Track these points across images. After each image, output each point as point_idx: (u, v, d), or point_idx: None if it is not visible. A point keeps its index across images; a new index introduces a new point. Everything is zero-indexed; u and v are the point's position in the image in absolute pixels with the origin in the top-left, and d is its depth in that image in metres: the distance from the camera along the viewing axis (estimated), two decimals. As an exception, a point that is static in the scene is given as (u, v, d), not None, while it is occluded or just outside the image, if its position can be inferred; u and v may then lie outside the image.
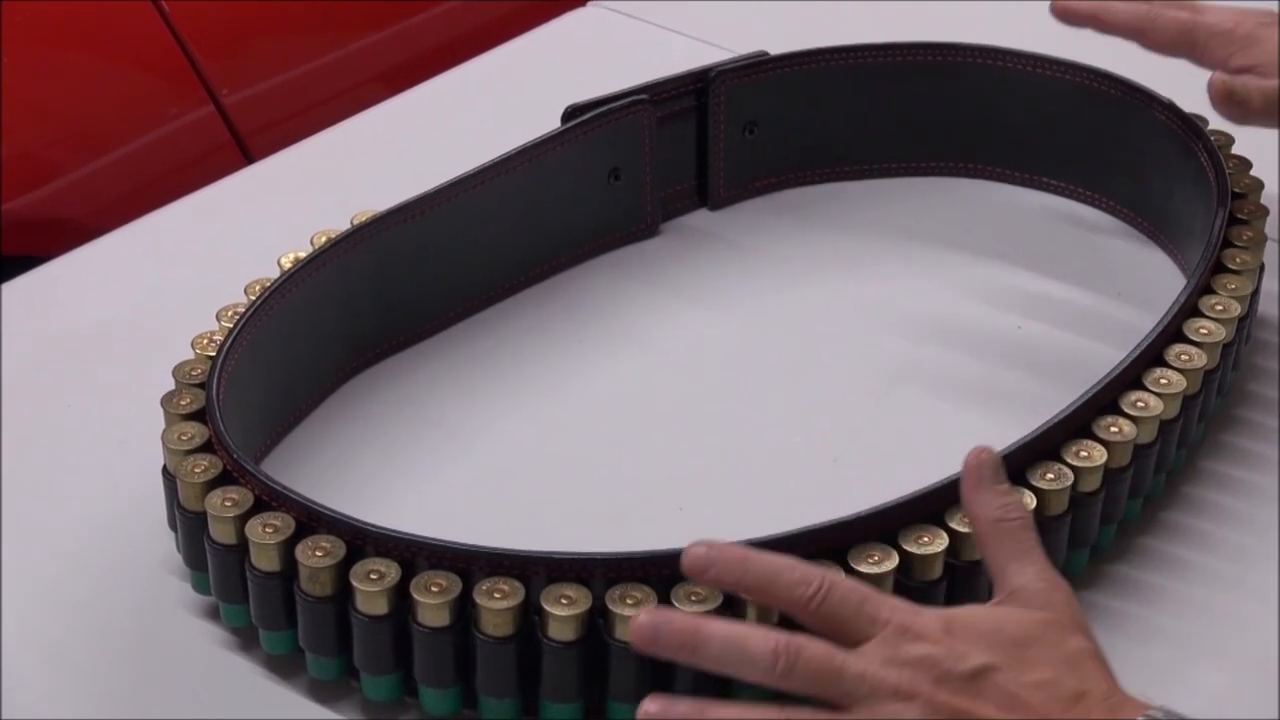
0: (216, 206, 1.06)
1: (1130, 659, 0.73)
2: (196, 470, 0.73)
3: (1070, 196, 1.02)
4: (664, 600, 0.67)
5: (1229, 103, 0.86)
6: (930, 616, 0.64)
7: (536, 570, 0.67)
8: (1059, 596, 0.65)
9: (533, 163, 0.92)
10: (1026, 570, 0.66)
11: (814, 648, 0.63)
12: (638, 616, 0.63)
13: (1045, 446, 0.74)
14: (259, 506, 0.71)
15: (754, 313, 0.95)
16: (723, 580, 0.65)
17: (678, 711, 0.63)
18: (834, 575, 0.65)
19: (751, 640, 0.63)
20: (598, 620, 0.67)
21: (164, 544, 0.78)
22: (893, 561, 0.69)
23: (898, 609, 0.64)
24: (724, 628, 0.63)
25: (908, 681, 0.62)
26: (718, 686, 0.66)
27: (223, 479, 0.73)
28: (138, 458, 0.81)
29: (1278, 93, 0.85)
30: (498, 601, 0.67)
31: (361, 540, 0.69)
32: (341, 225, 0.88)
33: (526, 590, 0.67)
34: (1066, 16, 0.92)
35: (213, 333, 0.82)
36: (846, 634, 0.64)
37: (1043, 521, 0.73)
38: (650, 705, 0.63)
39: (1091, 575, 0.77)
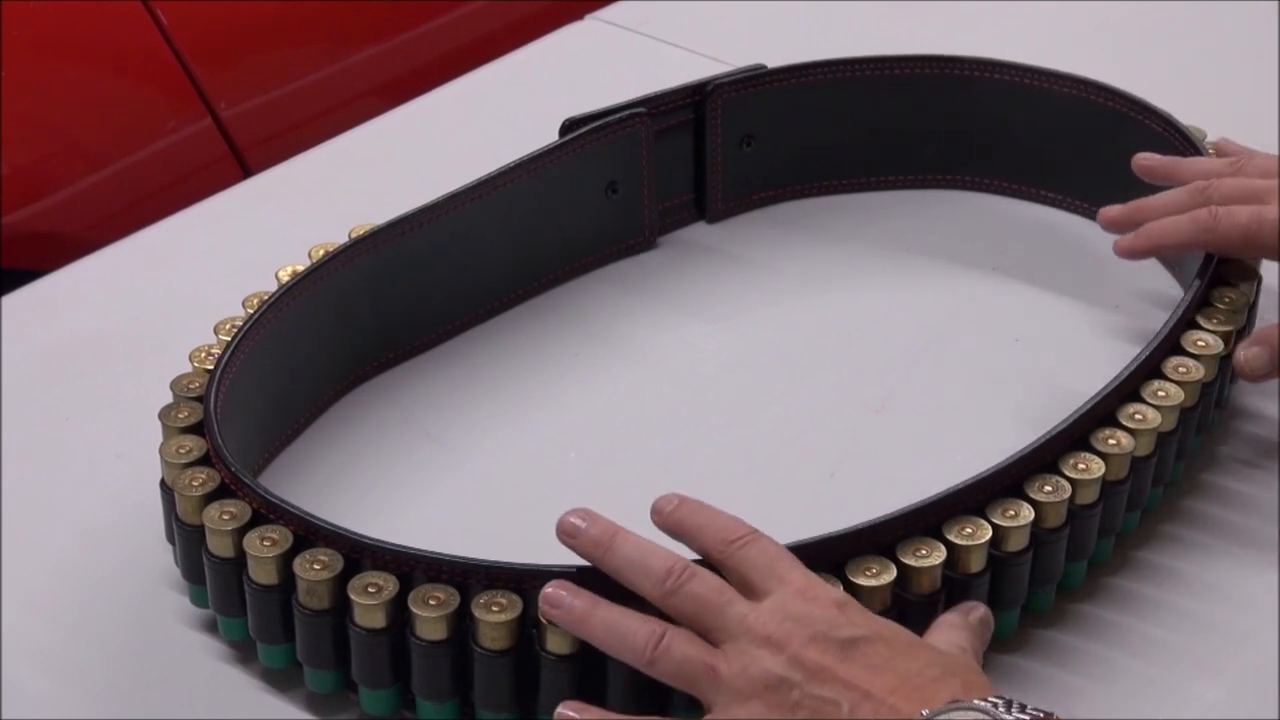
0: (214, 220, 1.06)
1: (1129, 672, 0.74)
2: (194, 483, 0.73)
3: (1068, 209, 1.02)
4: (660, 614, 0.67)
5: None
6: (834, 592, 0.66)
7: (534, 583, 0.67)
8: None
9: (530, 176, 0.92)
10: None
11: (709, 578, 0.66)
12: (568, 515, 0.68)
13: (1043, 459, 0.74)
14: (257, 520, 0.71)
15: (752, 326, 0.95)
16: (669, 523, 0.69)
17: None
18: (759, 535, 0.68)
19: (654, 555, 0.66)
20: (596, 633, 0.67)
21: (162, 557, 0.78)
22: (890, 574, 0.69)
23: (808, 576, 0.66)
24: (637, 541, 0.67)
25: (782, 634, 0.64)
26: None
27: (221, 492, 0.73)
28: (136, 471, 0.81)
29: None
30: (495, 615, 0.67)
31: (359, 553, 0.69)
32: (339, 238, 0.88)
33: (524, 604, 0.67)
34: (1132, 255, 0.88)
35: (211, 346, 0.82)
36: (753, 584, 0.66)
37: (1041, 534, 0.73)
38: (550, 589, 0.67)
39: (1090, 588, 0.77)
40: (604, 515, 0.68)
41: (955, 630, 0.68)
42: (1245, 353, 0.82)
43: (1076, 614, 0.77)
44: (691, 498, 0.70)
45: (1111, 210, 0.90)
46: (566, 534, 0.68)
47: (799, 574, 0.66)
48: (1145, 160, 0.92)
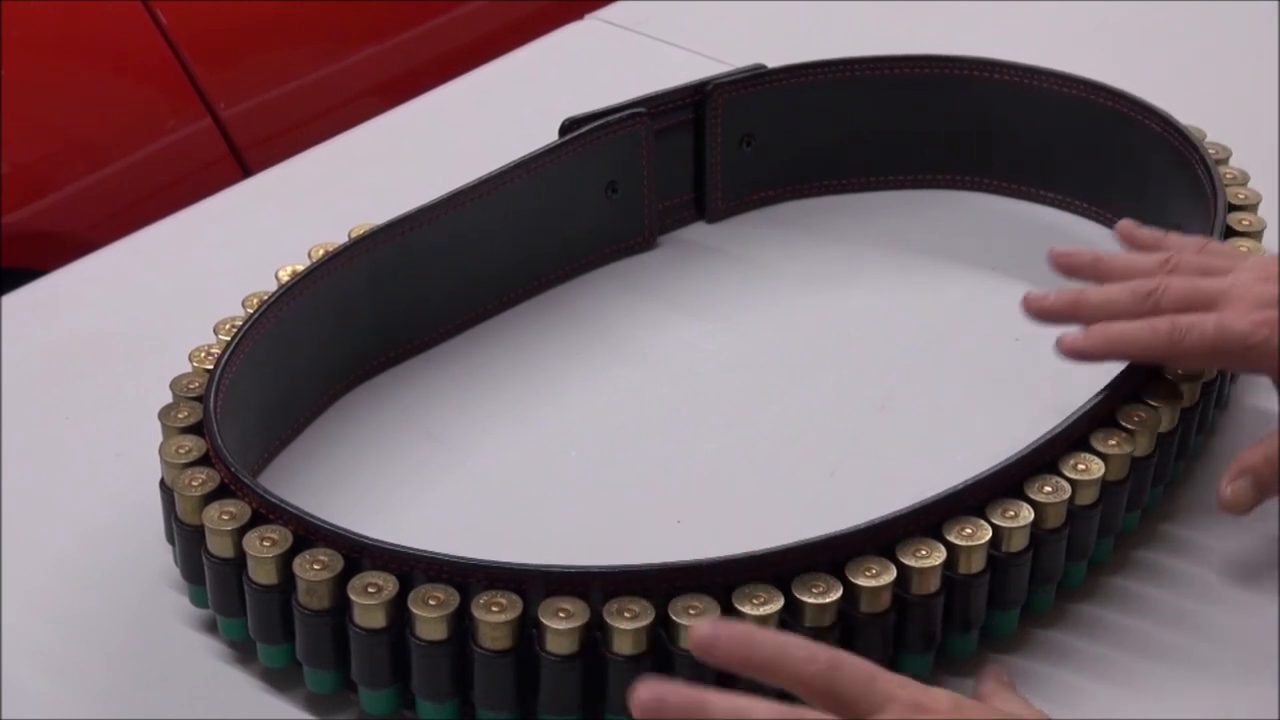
0: (214, 219, 1.06)
1: (1129, 672, 0.74)
2: (194, 483, 0.73)
3: (1067, 209, 1.02)
4: (661, 613, 0.67)
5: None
6: (942, 695, 0.63)
7: (534, 583, 0.67)
8: None
9: (530, 176, 0.92)
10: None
11: (814, 715, 0.62)
12: (642, 690, 0.61)
13: (1043, 460, 0.74)
14: (256, 520, 0.71)
15: (751, 326, 0.95)
16: (732, 658, 0.63)
17: (676, 697, 0.61)
18: (840, 652, 0.64)
19: (755, 711, 0.62)
20: (595, 634, 0.67)
21: (162, 557, 0.78)
22: (890, 574, 0.69)
23: (908, 684, 0.63)
24: (728, 699, 0.62)
25: None
26: None
27: (220, 492, 0.73)
28: (135, 471, 0.81)
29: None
30: (495, 615, 0.67)
31: (359, 553, 0.69)
32: (339, 238, 0.88)
33: (524, 604, 0.67)
34: (1080, 356, 0.79)
35: (210, 346, 0.82)
36: (857, 705, 0.62)
37: (1041, 534, 0.73)
38: (645, 693, 0.61)
39: (1090, 588, 0.77)
40: (680, 684, 0.62)
41: (1009, 697, 0.69)
42: (1230, 488, 0.77)
43: (1076, 614, 0.76)
44: (725, 622, 0.65)
45: (1045, 300, 0.81)
46: (649, 711, 0.62)
47: (898, 685, 0.63)
48: (1065, 259, 0.84)
